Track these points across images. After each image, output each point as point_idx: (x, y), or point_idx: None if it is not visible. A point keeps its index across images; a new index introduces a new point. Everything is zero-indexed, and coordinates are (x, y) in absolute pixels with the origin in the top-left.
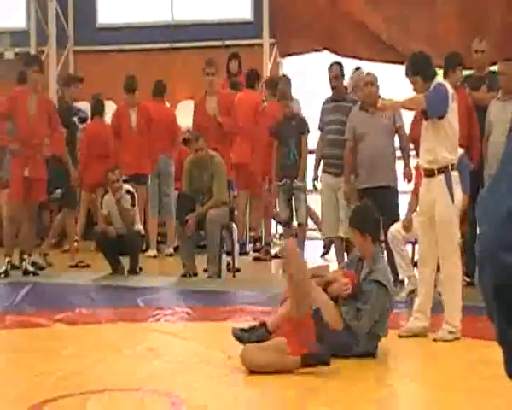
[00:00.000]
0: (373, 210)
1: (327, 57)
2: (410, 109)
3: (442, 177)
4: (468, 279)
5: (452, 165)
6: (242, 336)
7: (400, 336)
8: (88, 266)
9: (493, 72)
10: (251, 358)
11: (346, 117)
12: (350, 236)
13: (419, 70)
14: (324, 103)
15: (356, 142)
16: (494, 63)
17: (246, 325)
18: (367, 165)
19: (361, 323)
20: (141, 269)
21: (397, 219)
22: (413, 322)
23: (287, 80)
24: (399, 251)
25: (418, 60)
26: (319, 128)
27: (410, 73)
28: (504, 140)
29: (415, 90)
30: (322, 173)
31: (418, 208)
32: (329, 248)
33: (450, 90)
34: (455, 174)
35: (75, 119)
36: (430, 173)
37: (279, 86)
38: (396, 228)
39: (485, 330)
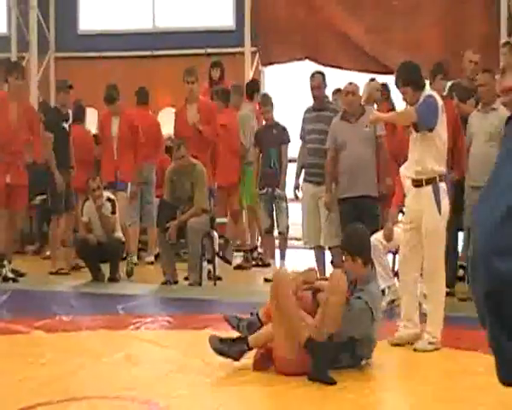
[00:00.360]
0: (363, 232)
1: (309, 66)
2: (403, 123)
3: (430, 188)
4: (447, 289)
5: (440, 176)
6: (223, 348)
7: (392, 345)
8: (68, 273)
9: None
10: (286, 281)
11: (327, 126)
12: (330, 244)
13: (409, 80)
14: (306, 112)
15: (337, 151)
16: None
17: (224, 335)
18: (348, 174)
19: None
20: (131, 275)
21: (378, 229)
22: (403, 330)
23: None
24: (380, 261)
25: (408, 69)
26: (301, 137)
27: (400, 83)
28: (485, 151)
29: (404, 100)
30: (304, 182)
31: (404, 217)
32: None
33: (440, 102)
34: (443, 185)
35: (65, 124)
36: (418, 184)
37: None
38: (377, 238)
39: (464, 340)
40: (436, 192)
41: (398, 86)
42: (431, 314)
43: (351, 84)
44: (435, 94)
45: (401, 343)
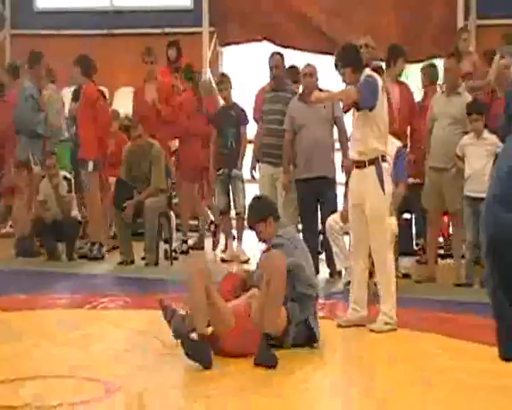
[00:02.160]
0: (259, 197)
1: (267, 47)
2: (344, 101)
3: (373, 168)
4: (405, 272)
5: (383, 156)
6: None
7: (339, 326)
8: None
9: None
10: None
11: (286, 107)
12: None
13: (349, 61)
14: (264, 93)
15: (294, 132)
16: (433, 57)
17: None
18: (305, 155)
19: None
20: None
21: (335, 210)
22: (352, 313)
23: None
24: (337, 242)
25: (348, 51)
26: (256, 118)
27: (340, 65)
28: (447, 134)
29: (344, 81)
30: (261, 163)
31: (349, 200)
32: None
33: (380, 82)
34: (385, 166)
35: None
36: (360, 165)
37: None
38: (334, 219)
39: (422, 322)
40: (379, 172)
41: (337, 68)
42: (383, 295)
43: (309, 65)
44: (375, 75)
45: (348, 326)
